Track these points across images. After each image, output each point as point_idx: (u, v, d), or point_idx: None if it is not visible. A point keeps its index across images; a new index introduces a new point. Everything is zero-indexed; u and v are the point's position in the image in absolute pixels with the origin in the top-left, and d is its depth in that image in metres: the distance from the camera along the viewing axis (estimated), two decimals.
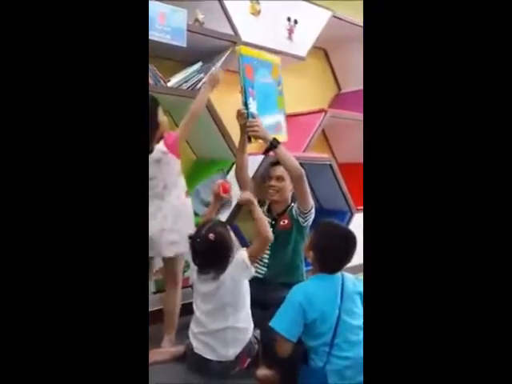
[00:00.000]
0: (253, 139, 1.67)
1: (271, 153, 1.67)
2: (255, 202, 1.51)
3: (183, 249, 1.51)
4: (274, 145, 1.62)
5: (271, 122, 1.66)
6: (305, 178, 1.63)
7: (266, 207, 1.85)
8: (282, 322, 1.17)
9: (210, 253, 1.39)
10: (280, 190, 1.78)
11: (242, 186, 1.78)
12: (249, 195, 1.52)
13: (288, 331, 1.15)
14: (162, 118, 1.61)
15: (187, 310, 1.54)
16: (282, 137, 1.73)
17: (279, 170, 1.79)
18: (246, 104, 1.61)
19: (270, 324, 1.19)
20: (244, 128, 1.67)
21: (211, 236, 1.37)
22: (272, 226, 1.73)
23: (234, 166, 1.89)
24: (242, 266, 1.40)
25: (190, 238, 1.44)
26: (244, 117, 1.64)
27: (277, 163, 1.81)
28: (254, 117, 1.62)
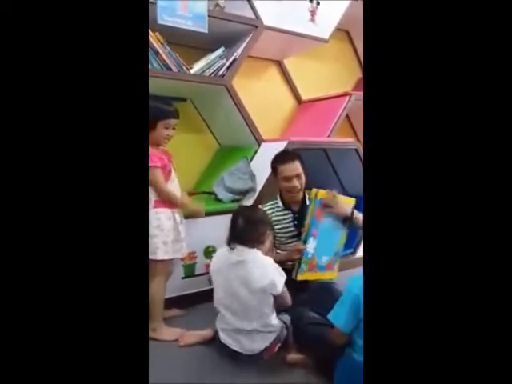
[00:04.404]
0: None
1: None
2: None
3: None
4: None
5: (325, 262, 1.64)
6: None
7: (280, 202, 1.79)
8: (340, 316, 1.13)
9: (253, 220, 1.45)
10: (301, 187, 1.71)
11: None
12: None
13: (345, 325, 1.12)
14: None
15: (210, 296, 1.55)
16: (333, 275, 1.69)
17: (296, 167, 1.70)
18: (305, 242, 1.60)
19: (328, 317, 1.16)
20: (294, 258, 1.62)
21: (260, 206, 1.58)
22: (299, 222, 1.70)
23: None
24: (273, 271, 1.39)
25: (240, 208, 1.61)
26: (301, 253, 1.60)
27: (288, 160, 1.71)
28: (307, 257, 1.59)
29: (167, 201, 1.58)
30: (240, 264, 1.38)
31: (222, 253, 1.46)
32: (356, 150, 2.39)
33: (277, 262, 1.45)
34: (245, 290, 1.36)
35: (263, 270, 1.37)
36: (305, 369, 1.36)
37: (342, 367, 1.15)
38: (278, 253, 1.69)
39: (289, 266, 1.60)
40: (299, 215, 1.71)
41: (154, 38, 1.82)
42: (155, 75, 1.81)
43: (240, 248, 1.41)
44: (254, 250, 1.41)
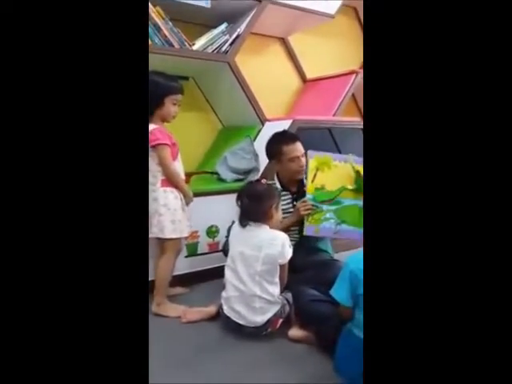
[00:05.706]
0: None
1: None
2: None
3: None
4: None
5: None
6: None
7: (278, 183, 1.74)
8: (339, 291, 1.15)
9: (256, 196, 1.45)
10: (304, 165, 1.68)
11: None
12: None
13: (346, 300, 1.13)
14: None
15: (218, 273, 1.56)
16: None
17: (301, 147, 1.67)
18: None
19: (330, 293, 1.19)
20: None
21: (264, 181, 1.52)
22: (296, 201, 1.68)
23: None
24: (283, 244, 1.42)
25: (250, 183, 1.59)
26: (307, 207, 1.54)
27: (291, 140, 1.67)
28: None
29: (170, 180, 1.57)
30: (252, 235, 1.44)
31: (236, 226, 1.52)
32: (362, 129, 2.36)
33: (288, 225, 1.53)
34: (253, 255, 1.41)
35: (273, 240, 1.42)
36: (307, 345, 1.37)
37: (343, 343, 1.16)
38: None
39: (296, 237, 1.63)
40: (298, 195, 1.70)
41: (155, 13, 1.78)
42: (157, 51, 1.78)
43: (251, 224, 1.45)
44: (264, 226, 1.45)
